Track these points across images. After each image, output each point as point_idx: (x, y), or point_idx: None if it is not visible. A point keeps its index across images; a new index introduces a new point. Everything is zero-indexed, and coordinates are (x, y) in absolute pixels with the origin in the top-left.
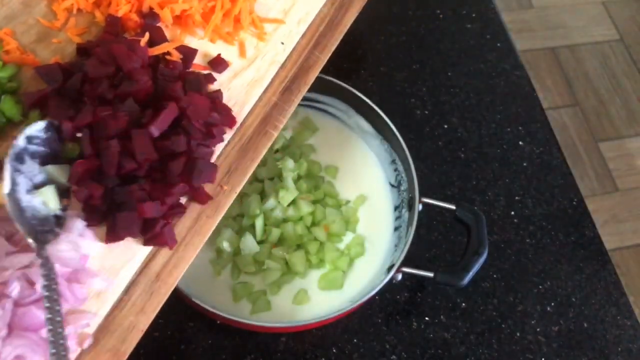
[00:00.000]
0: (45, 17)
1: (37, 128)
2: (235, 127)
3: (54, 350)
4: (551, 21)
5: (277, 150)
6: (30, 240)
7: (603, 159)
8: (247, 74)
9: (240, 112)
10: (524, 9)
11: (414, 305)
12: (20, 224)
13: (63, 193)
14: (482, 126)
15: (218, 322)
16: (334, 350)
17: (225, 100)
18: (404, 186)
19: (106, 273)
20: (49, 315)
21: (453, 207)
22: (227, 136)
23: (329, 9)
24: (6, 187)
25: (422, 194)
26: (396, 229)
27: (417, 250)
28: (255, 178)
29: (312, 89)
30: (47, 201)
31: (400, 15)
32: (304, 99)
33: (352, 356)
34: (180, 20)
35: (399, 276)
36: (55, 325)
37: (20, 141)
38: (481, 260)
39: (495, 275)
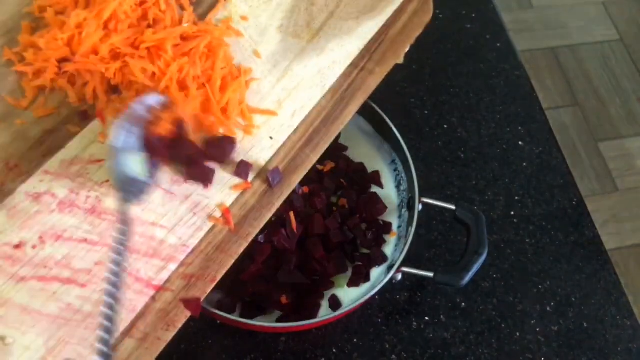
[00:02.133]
0: (12, 93)
1: (155, 99)
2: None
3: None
4: (551, 21)
5: None
6: (118, 194)
7: (603, 159)
8: (226, 171)
9: (215, 212)
10: (524, 9)
11: (414, 305)
12: (113, 178)
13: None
14: (481, 126)
15: (218, 322)
16: (334, 350)
17: (196, 200)
18: (403, 186)
19: None
20: (113, 271)
21: (453, 207)
22: (194, 241)
23: (328, 102)
24: (116, 141)
25: (422, 194)
26: (396, 228)
27: (417, 250)
28: None
29: None
30: (137, 168)
31: None
32: None
33: (352, 356)
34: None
35: (399, 276)
36: (117, 281)
37: (137, 106)
38: (481, 260)
39: (495, 275)
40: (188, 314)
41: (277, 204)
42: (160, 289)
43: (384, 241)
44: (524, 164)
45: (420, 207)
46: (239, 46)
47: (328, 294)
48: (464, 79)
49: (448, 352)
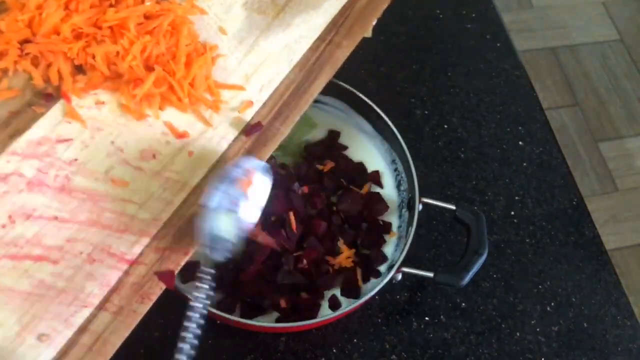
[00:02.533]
0: None
1: (252, 163)
2: None
3: None
4: (551, 21)
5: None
6: (206, 251)
7: (603, 159)
8: (196, 146)
9: (182, 189)
10: (524, 9)
11: (414, 305)
12: (202, 235)
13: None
14: (481, 126)
15: (218, 322)
16: (334, 350)
17: (166, 176)
18: (403, 186)
19: None
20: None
21: (453, 207)
22: (165, 215)
23: (297, 74)
24: (210, 201)
25: (422, 194)
26: (396, 228)
27: (417, 250)
28: None
29: None
30: (225, 228)
31: (400, 15)
32: None
33: (352, 356)
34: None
35: (399, 276)
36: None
37: (232, 169)
38: (481, 260)
39: (495, 275)
40: (163, 286)
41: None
42: (133, 263)
43: (384, 241)
44: (524, 164)
45: (420, 207)
46: (204, 24)
47: (328, 294)
48: (464, 79)
49: (448, 352)
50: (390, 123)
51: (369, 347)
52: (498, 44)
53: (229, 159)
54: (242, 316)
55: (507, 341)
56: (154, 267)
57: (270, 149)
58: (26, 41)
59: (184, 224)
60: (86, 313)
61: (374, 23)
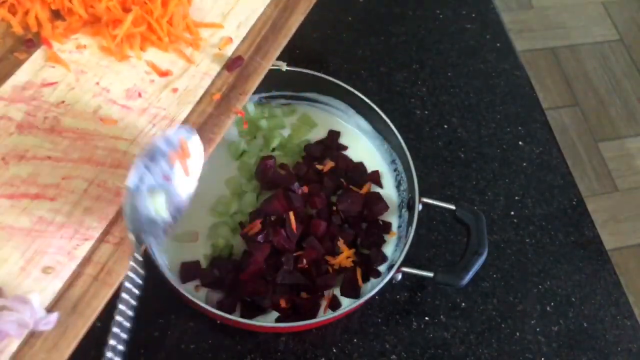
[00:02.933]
0: None
1: (180, 133)
2: None
3: None
4: (551, 21)
5: (274, 149)
6: (130, 236)
7: (603, 159)
8: (180, 83)
9: (170, 124)
10: (524, 9)
11: (414, 305)
12: (128, 218)
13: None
14: (481, 126)
15: (218, 322)
16: (334, 350)
17: (154, 113)
18: (403, 186)
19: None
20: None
21: (453, 207)
22: None
23: (272, 10)
24: (131, 181)
25: (422, 194)
26: (396, 228)
27: (417, 250)
28: (253, 176)
29: (312, 89)
30: (157, 208)
31: (400, 15)
32: (304, 98)
33: (352, 356)
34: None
35: (399, 276)
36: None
37: (159, 141)
38: (481, 260)
39: (495, 275)
40: None
41: (235, 110)
42: None
43: (384, 241)
44: (524, 164)
45: (420, 207)
46: None
47: (328, 294)
48: (464, 79)
49: (448, 352)
50: (390, 123)
51: (369, 347)
52: (498, 44)
53: (213, 93)
54: (242, 316)
55: (507, 341)
56: None
57: (253, 83)
58: None
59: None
60: (88, 246)
61: None
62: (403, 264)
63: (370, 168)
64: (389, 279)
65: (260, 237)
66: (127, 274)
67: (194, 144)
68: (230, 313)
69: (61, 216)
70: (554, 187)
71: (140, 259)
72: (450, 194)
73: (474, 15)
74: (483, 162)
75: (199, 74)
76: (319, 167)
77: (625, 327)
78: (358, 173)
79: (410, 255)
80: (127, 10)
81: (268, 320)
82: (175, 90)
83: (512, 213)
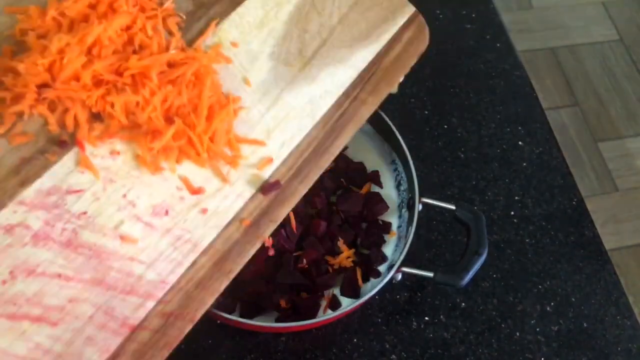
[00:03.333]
0: None
1: None
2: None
3: None
4: (551, 21)
5: None
6: None
7: (603, 159)
8: (211, 203)
9: (193, 250)
10: (524, 9)
11: (414, 305)
12: None
13: None
14: (481, 126)
15: (218, 322)
16: (334, 350)
17: (177, 234)
18: (403, 186)
19: None
20: None
21: (453, 207)
22: (174, 277)
23: (319, 132)
24: None
25: (422, 194)
26: (396, 228)
27: (417, 250)
28: None
29: None
30: None
31: None
32: None
33: (352, 356)
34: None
35: (399, 276)
36: None
37: None
38: (481, 260)
39: (495, 275)
40: (165, 353)
41: (262, 238)
42: (136, 329)
43: (384, 241)
44: (524, 164)
45: (420, 207)
46: (228, 73)
47: (328, 294)
48: (464, 79)
49: (448, 352)
50: (390, 123)
51: (369, 347)
52: (498, 44)
53: (243, 218)
54: (242, 316)
55: (507, 341)
56: (158, 334)
57: (287, 209)
58: (44, 85)
59: (192, 287)
60: None
61: (400, 79)
62: (403, 264)
63: (370, 168)
64: (389, 279)
65: None
66: None
67: None
68: (230, 313)
69: (60, 345)
70: (554, 187)
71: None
72: (450, 194)
73: (474, 15)
74: (483, 162)
75: (233, 195)
76: None
77: (625, 327)
78: (358, 173)
79: (410, 255)
80: (169, 119)
81: (268, 320)
82: (204, 210)
83: (512, 213)
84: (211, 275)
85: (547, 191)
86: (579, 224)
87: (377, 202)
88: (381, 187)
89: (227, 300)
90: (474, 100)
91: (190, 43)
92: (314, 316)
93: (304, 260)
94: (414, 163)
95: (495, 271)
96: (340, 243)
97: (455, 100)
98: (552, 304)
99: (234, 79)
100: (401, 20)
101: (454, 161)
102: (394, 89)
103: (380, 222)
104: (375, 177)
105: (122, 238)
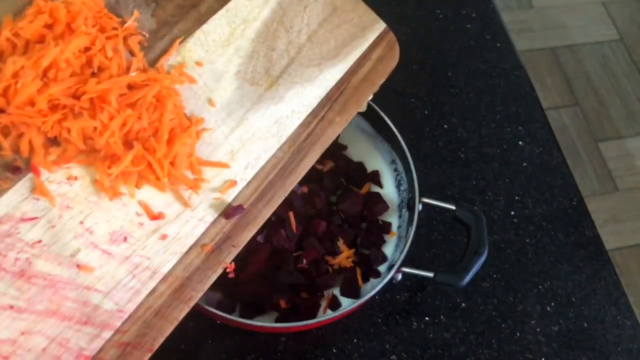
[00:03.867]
0: None
1: None
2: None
3: None
4: (551, 21)
5: None
6: None
7: (603, 159)
8: (171, 229)
9: (152, 277)
10: (524, 9)
11: (414, 305)
12: None
13: None
14: (482, 126)
15: (218, 322)
16: (334, 350)
17: (136, 262)
18: (403, 186)
19: None
20: None
21: (453, 207)
22: (132, 306)
23: (285, 153)
24: None
25: (422, 194)
26: (396, 228)
27: (417, 250)
28: None
29: None
30: None
31: (400, 15)
32: None
33: (352, 356)
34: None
35: (399, 276)
36: None
37: None
38: (481, 260)
39: (495, 275)
40: None
41: (223, 264)
42: None
43: (384, 241)
44: (524, 164)
45: (420, 207)
46: (192, 93)
47: (328, 294)
48: (464, 79)
49: (448, 352)
50: (390, 123)
51: (369, 347)
52: (498, 44)
53: (205, 244)
54: (242, 316)
55: (507, 341)
56: None
57: (250, 233)
58: None
59: (150, 316)
60: None
61: (370, 98)
62: (403, 264)
63: (370, 168)
64: (389, 279)
65: (260, 237)
66: None
67: None
68: (230, 313)
69: None
70: (554, 187)
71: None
72: (450, 194)
73: (474, 15)
74: (483, 162)
75: (194, 220)
76: (319, 167)
77: (625, 327)
78: (358, 173)
79: (410, 255)
80: (128, 144)
81: (268, 320)
82: (164, 236)
83: (512, 213)
84: (170, 303)
85: (547, 191)
86: (579, 224)
87: (377, 202)
88: (381, 187)
89: (227, 300)
90: (474, 100)
91: (153, 63)
92: (314, 316)
93: (304, 260)
94: (414, 163)
95: (495, 271)
96: (340, 243)
97: (455, 100)
98: (552, 304)
99: (198, 99)
100: (371, 37)
101: (454, 161)
102: (363, 107)
103: (380, 222)
104: (375, 177)
105: (79, 267)
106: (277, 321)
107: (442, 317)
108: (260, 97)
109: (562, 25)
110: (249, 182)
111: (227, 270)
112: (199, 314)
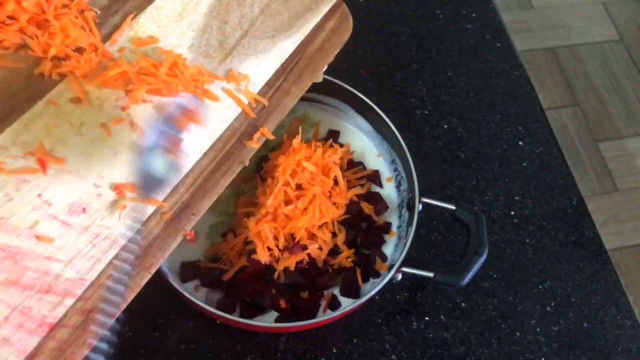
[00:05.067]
0: None
1: (191, 101)
2: None
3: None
4: (551, 21)
5: (272, 149)
6: (140, 191)
7: (603, 159)
8: (129, 198)
9: (112, 246)
10: (524, 9)
11: (414, 305)
12: (135, 174)
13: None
14: (482, 126)
15: (218, 322)
16: (334, 350)
17: (95, 232)
18: (403, 186)
19: None
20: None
21: (453, 207)
22: (93, 274)
23: (241, 123)
24: (146, 138)
25: (422, 194)
26: (396, 228)
27: (417, 250)
28: (253, 175)
29: (312, 88)
30: (163, 168)
31: (400, 15)
32: (303, 97)
33: (352, 356)
34: None
35: (399, 276)
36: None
37: (172, 106)
38: (481, 260)
39: (495, 275)
40: (85, 351)
41: (183, 232)
42: (55, 327)
43: (384, 241)
44: (524, 164)
45: (420, 207)
46: None
47: (328, 294)
48: (464, 79)
49: (448, 352)
50: (390, 123)
51: (369, 347)
52: (498, 44)
53: (164, 212)
54: (242, 316)
55: (507, 341)
56: (78, 330)
57: (209, 202)
58: None
59: (112, 282)
60: None
61: (324, 68)
62: (403, 264)
63: (370, 168)
64: (389, 279)
65: None
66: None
67: (203, 112)
68: (230, 313)
69: None
70: (554, 187)
71: (141, 220)
72: (450, 194)
73: (474, 15)
74: (483, 162)
75: None
76: None
77: (625, 327)
78: (358, 173)
79: (410, 255)
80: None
81: (268, 320)
82: (123, 207)
83: (512, 213)
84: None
85: (547, 191)
86: (579, 224)
87: (377, 202)
88: (381, 187)
89: (227, 300)
90: (474, 100)
91: (106, 38)
92: (313, 316)
93: (304, 260)
94: (414, 163)
95: (495, 271)
96: (340, 243)
97: (455, 100)
98: (552, 304)
99: None
100: (324, 9)
101: (454, 161)
102: (319, 77)
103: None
104: (375, 177)
105: (38, 238)
106: (277, 321)
107: (442, 317)
108: (214, 69)
109: (562, 25)
110: (206, 153)
111: (187, 237)
112: (199, 314)
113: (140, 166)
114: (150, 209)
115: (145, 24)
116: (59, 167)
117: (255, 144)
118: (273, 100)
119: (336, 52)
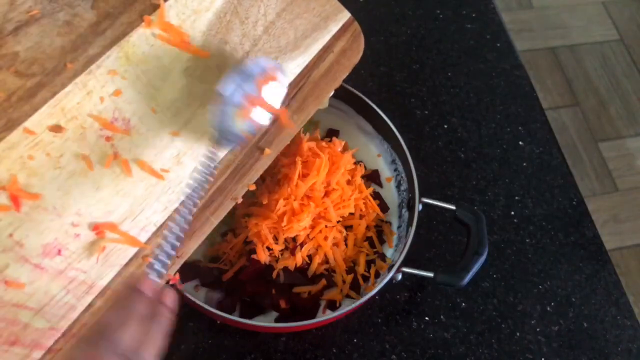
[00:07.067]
0: None
1: (270, 63)
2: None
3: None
4: (551, 21)
5: None
6: (214, 137)
7: (603, 159)
8: (109, 239)
9: (88, 292)
10: (524, 9)
11: (414, 305)
12: (213, 122)
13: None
14: (482, 126)
15: (218, 322)
16: (334, 350)
17: (71, 276)
18: (403, 186)
19: None
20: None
21: (453, 207)
22: (65, 323)
23: (236, 156)
24: (226, 89)
25: (422, 194)
26: (396, 228)
27: (417, 250)
28: None
29: None
30: (239, 123)
31: (400, 15)
32: None
33: (352, 356)
34: None
35: (399, 276)
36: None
37: (251, 64)
38: (481, 260)
39: (495, 275)
40: None
41: (167, 276)
42: None
43: (384, 241)
44: (524, 164)
45: (420, 207)
46: (135, 93)
47: (328, 294)
48: (464, 79)
49: (448, 352)
50: (390, 123)
51: (369, 347)
52: (498, 44)
53: (146, 255)
54: (242, 316)
55: (507, 341)
56: None
57: (195, 244)
58: None
59: (86, 333)
60: None
61: (330, 94)
62: (403, 264)
63: (370, 168)
64: (389, 279)
65: None
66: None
67: (281, 73)
68: (230, 313)
69: None
70: (554, 187)
71: (214, 156)
72: (450, 194)
73: (474, 15)
74: (483, 162)
75: (135, 229)
76: None
77: (625, 327)
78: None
79: (410, 255)
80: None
81: (268, 320)
82: (102, 248)
83: (512, 213)
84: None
85: (547, 191)
86: (579, 224)
87: (378, 202)
88: (381, 187)
89: (227, 300)
90: (474, 100)
91: (93, 59)
92: (313, 316)
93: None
94: (414, 163)
95: (495, 271)
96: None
97: (455, 100)
98: (552, 304)
99: (141, 101)
100: (334, 28)
101: (454, 161)
102: (324, 104)
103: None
104: (375, 177)
105: (7, 283)
106: (277, 321)
107: (442, 317)
108: (210, 96)
109: (562, 25)
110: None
111: (171, 282)
112: (199, 314)
113: (219, 113)
114: (131, 251)
115: (136, 44)
116: (34, 204)
117: (251, 179)
118: (273, 130)
119: (344, 77)
